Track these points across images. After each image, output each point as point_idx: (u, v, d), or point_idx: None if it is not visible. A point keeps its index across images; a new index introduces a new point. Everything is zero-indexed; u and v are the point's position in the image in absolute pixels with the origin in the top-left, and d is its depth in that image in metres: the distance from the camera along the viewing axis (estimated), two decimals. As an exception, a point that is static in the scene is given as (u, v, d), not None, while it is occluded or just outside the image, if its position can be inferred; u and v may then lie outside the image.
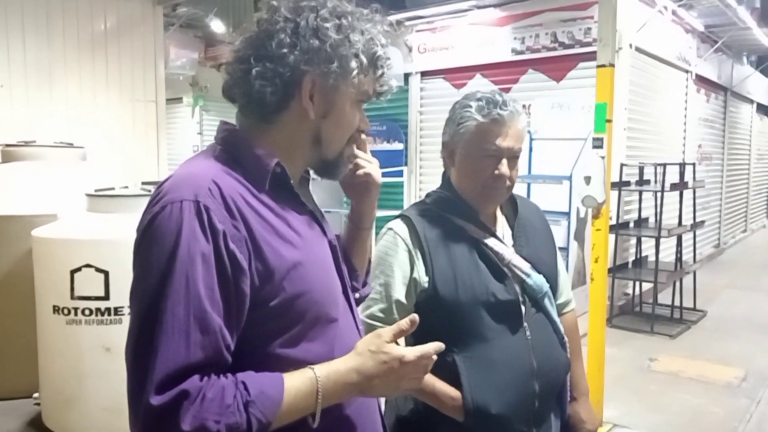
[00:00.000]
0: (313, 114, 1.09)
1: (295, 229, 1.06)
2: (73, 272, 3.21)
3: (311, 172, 1.21)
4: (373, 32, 1.11)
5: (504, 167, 1.54)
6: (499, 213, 1.67)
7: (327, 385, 1.00)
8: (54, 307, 3.29)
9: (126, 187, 3.70)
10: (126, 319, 3.17)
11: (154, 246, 0.94)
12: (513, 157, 1.56)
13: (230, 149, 1.08)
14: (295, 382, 0.98)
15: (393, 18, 7.14)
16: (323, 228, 1.16)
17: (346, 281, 1.19)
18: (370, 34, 1.10)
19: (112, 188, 3.62)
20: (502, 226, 1.66)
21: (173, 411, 0.87)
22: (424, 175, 7.60)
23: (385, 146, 7.60)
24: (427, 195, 1.68)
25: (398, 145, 7.57)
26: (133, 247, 1.00)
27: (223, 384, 0.92)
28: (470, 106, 1.54)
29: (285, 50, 1.04)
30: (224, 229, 0.95)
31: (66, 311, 3.25)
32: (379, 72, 1.13)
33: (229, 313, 0.95)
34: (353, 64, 1.08)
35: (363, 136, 1.21)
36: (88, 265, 3.20)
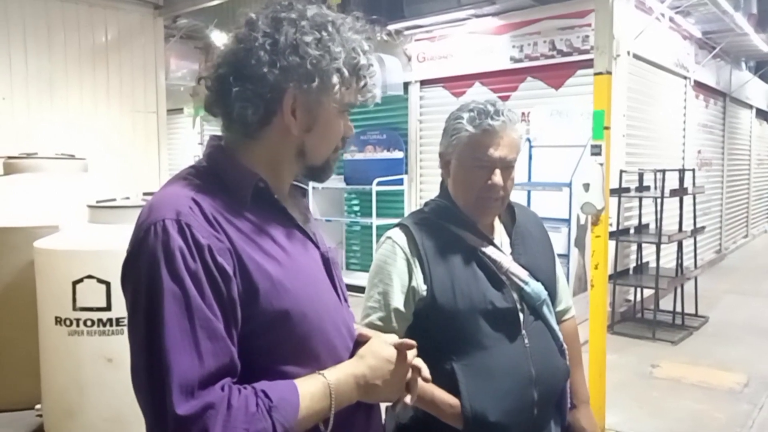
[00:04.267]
0: (296, 130, 1.08)
1: (279, 243, 1.06)
2: (75, 283, 3.22)
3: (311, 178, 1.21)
4: (356, 40, 1.09)
5: (497, 177, 1.54)
6: (497, 221, 1.68)
7: (338, 388, 1.03)
8: (56, 318, 3.29)
9: (127, 198, 3.72)
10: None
11: (145, 267, 0.95)
12: (507, 167, 1.56)
13: (214, 165, 1.09)
14: (310, 388, 1.00)
15: (392, 27, 7.18)
16: (314, 240, 1.15)
17: (339, 292, 1.18)
18: (352, 44, 1.08)
19: (114, 199, 3.63)
20: (500, 234, 1.67)
21: (202, 422, 0.89)
22: (425, 183, 7.60)
23: (385, 155, 7.62)
24: (426, 204, 1.69)
25: (398, 154, 7.59)
26: (122, 270, 1.01)
27: (245, 393, 0.94)
28: (462, 118, 1.55)
29: (265, 69, 1.02)
30: (208, 243, 0.96)
31: (68, 322, 3.26)
32: (362, 83, 1.11)
33: (227, 320, 0.96)
34: (335, 79, 1.06)
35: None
36: (89, 276, 3.21)
